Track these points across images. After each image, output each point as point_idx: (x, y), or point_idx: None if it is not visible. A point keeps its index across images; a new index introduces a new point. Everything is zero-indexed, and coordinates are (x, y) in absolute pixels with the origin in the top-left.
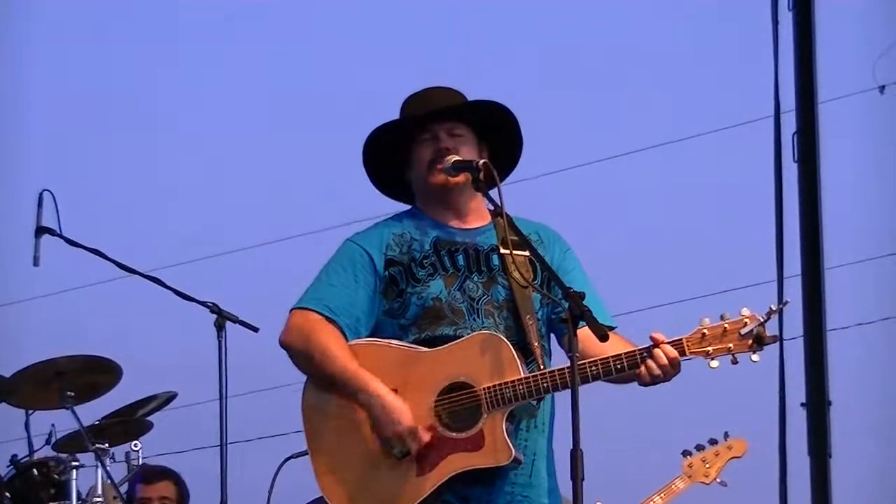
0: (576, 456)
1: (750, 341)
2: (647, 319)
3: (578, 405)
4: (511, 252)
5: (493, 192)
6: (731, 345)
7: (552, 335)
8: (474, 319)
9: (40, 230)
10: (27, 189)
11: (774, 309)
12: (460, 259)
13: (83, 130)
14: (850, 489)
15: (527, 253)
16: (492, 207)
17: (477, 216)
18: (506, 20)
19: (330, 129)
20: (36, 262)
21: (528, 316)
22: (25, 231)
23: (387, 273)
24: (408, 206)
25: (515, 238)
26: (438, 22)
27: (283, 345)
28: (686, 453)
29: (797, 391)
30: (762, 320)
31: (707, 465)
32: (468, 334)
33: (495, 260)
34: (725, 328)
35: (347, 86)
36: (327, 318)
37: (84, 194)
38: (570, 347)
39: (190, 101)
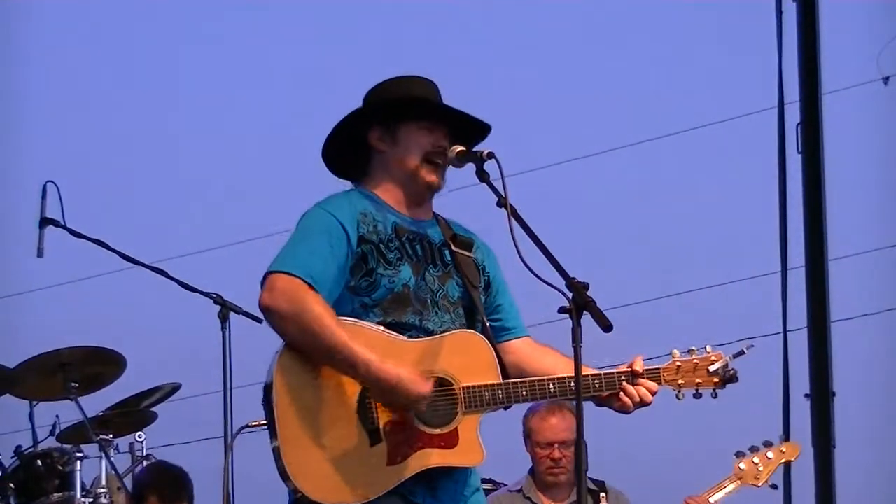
0: (579, 447)
1: (716, 379)
2: (653, 309)
3: (582, 401)
4: (467, 253)
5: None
6: (699, 380)
7: None
8: (436, 313)
9: (44, 221)
10: (31, 180)
11: (745, 351)
12: (419, 249)
13: (87, 121)
14: (853, 480)
15: (472, 255)
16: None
17: (426, 210)
18: (497, 12)
19: (333, 121)
20: (40, 254)
21: (483, 318)
22: (29, 222)
23: (359, 249)
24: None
25: (466, 239)
26: (433, 15)
27: (270, 308)
28: (739, 454)
29: (801, 382)
30: (728, 361)
31: (759, 468)
32: (433, 325)
33: (447, 255)
34: (696, 363)
35: (350, 79)
36: (310, 286)
37: (88, 185)
38: (574, 338)
39: (194, 92)
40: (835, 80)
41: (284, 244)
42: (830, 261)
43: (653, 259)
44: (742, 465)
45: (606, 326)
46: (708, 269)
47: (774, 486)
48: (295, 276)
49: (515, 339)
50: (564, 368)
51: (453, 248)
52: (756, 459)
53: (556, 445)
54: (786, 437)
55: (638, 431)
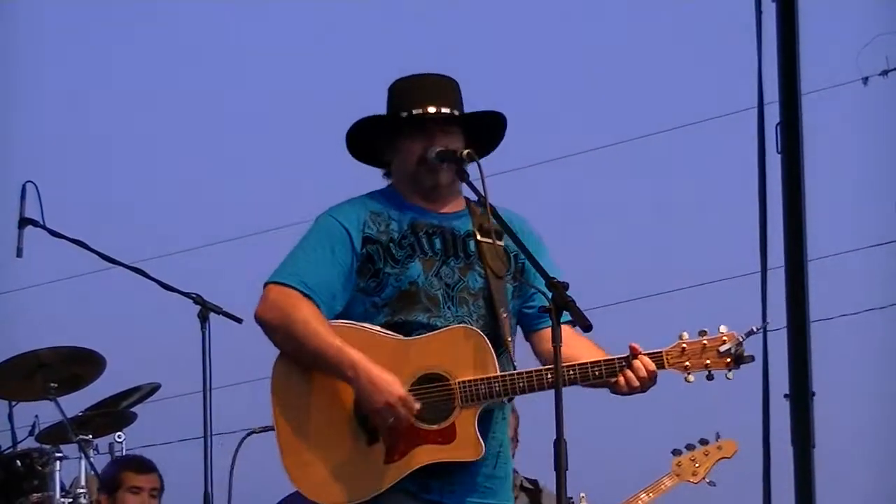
0: (559, 446)
1: (728, 359)
2: (633, 310)
3: (562, 396)
4: (494, 242)
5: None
6: (708, 361)
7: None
8: (448, 308)
9: (23, 221)
10: (10, 180)
11: (755, 330)
12: (437, 243)
13: (67, 121)
14: (833, 480)
15: (502, 242)
16: (473, 197)
17: (453, 201)
18: (487, 14)
19: (314, 123)
20: (19, 254)
21: (503, 308)
22: (8, 222)
23: (364, 251)
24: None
25: (496, 227)
26: (428, 13)
27: (260, 319)
28: (676, 452)
29: (781, 383)
30: (740, 340)
31: (696, 465)
32: (442, 322)
33: (472, 246)
34: (705, 345)
35: (330, 81)
36: (304, 294)
37: (67, 186)
38: (554, 337)
39: (172, 93)
40: (814, 80)
41: (288, 252)
42: (810, 261)
43: (632, 259)
44: (679, 463)
45: (586, 326)
46: (687, 268)
47: (712, 483)
48: (287, 285)
49: (546, 329)
50: (590, 356)
51: (478, 237)
52: (693, 457)
53: None
54: (766, 440)
55: (613, 430)
